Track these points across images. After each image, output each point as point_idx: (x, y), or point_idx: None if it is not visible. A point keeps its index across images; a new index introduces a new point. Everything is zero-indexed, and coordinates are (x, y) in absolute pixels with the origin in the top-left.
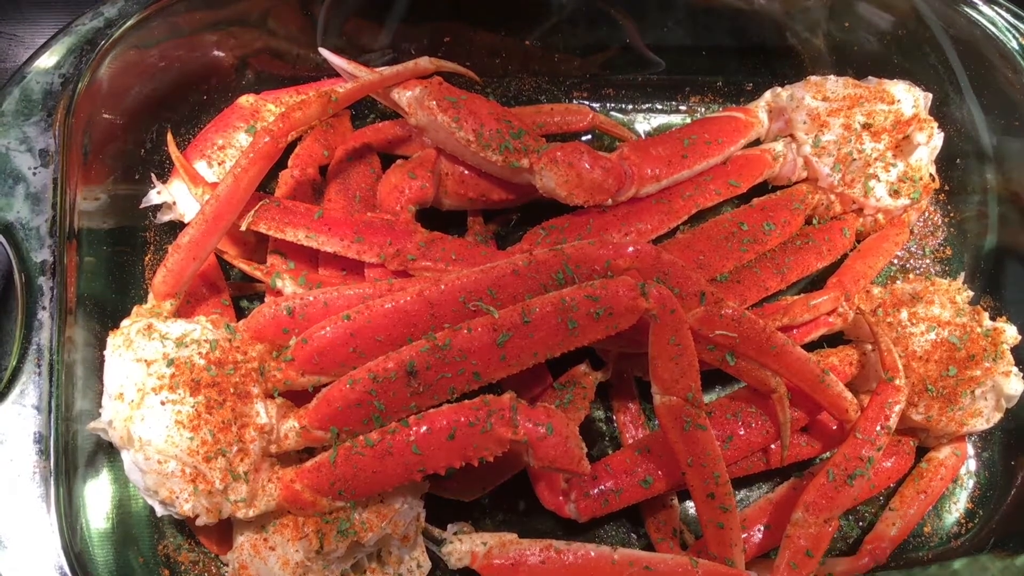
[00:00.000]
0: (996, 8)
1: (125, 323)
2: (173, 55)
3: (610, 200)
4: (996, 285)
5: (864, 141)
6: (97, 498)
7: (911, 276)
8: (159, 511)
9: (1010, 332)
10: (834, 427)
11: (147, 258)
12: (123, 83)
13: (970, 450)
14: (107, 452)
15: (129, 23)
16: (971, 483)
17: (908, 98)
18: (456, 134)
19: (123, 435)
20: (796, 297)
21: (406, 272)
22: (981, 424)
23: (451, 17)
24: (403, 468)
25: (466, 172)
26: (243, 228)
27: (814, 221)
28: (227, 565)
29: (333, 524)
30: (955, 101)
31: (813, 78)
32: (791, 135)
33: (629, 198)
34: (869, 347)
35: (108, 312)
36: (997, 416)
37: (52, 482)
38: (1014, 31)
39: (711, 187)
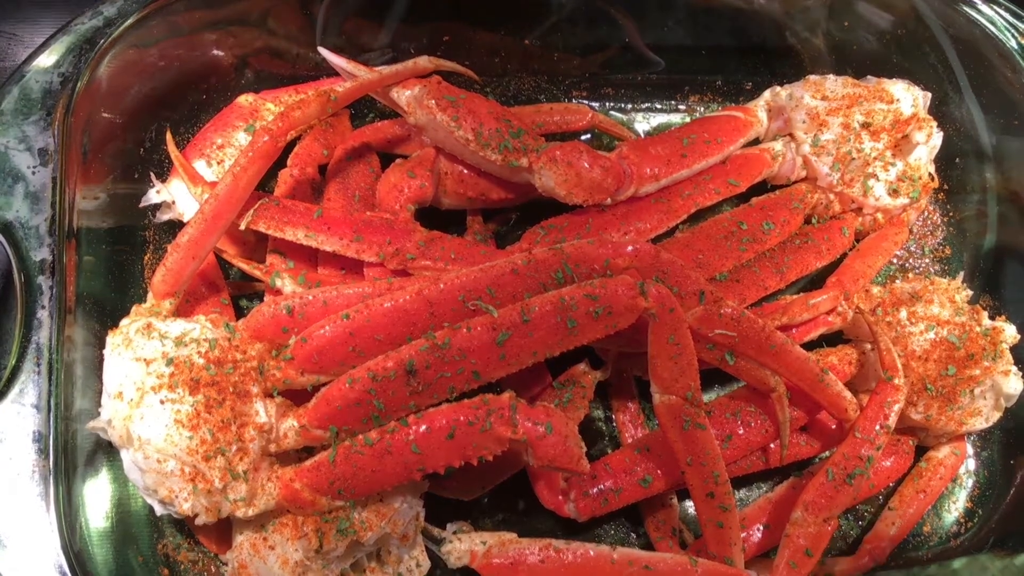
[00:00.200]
0: (995, 8)
1: (124, 322)
2: (172, 54)
3: (609, 199)
4: (995, 284)
5: (863, 140)
6: (96, 497)
7: (910, 275)
8: (158, 510)
9: (1009, 331)
10: (833, 426)
11: (146, 257)
12: (122, 82)
13: (969, 449)
14: (106, 451)
15: (128, 22)
16: (970, 482)
17: (907, 97)
18: (455, 133)
19: (122, 434)
20: (795, 296)
21: (405, 271)
22: (980, 423)
23: (451, 17)
24: (402, 467)
25: (465, 171)
26: (242, 227)
27: (813, 220)
28: (226, 564)
29: (332, 523)
30: (954, 100)
31: (812, 77)
32: (790, 134)
33: (628, 197)
34: (868, 346)
35: (107, 311)
36: (996, 415)
37: (51, 481)
38: (1013, 31)
39: (710, 186)
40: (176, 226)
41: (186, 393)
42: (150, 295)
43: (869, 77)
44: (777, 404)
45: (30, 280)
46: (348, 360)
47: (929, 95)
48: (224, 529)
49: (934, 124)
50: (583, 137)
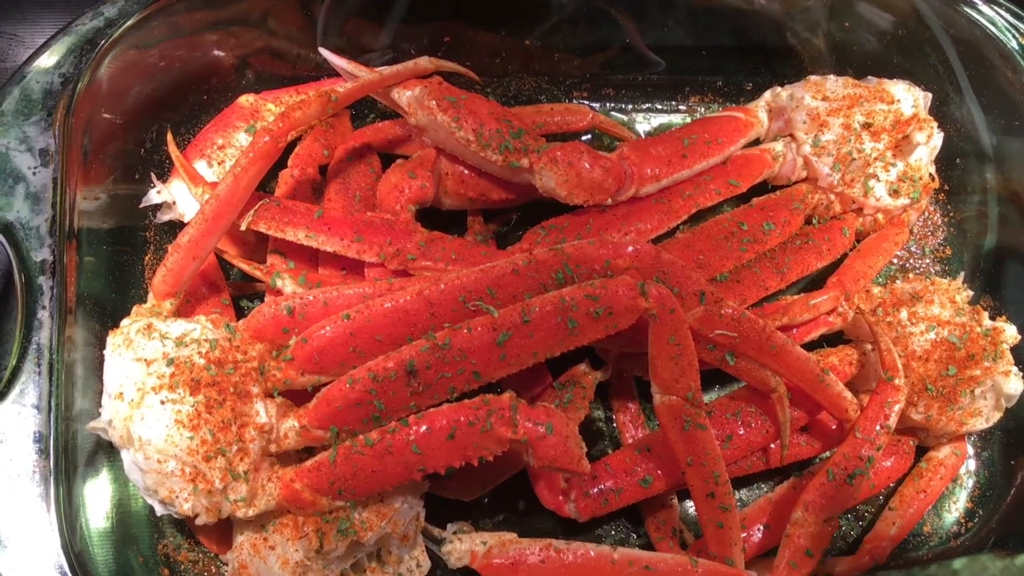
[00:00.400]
0: (996, 8)
1: (125, 322)
2: (173, 55)
3: (610, 200)
4: (996, 285)
5: (864, 141)
6: (97, 497)
7: (911, 276)
8: (159, 510)
9: (1010, 332)
10: (834, 427)
11: (147, 258)
12: (123, 83)
13: (970, 449)
14: (107, 451)
15: (129, 23)
16: (971, 482)
17: (908, 98)
18: (456, 134)
19: (123, 434)
20: (796, 297)
21: (406, 272)
22: (981, 423)
23: (451, 17)
24: (403, 467)
25: (466, 172)
26: (243, 228)
27: (814, 221)
28: (227, 564)
29: (333, 523)
30: (955, 101)
31: (813, 78)
32: (791, 135)
33: (629, 198)
34: (869, 347)
35: (108, 311)
36: (997, 415)
37: (52, 481)
38: (1014, 31)
39: (711, 187)
40: (177, 227)
41: (187, 393)
42: (151, 295)
43: (870, 78)
44: (777, 404)
45: (31, 280)
46: (349, 360)
47: (930, 96)
48: (224, 529)
49: (935, 125)
50: (584, 138)
